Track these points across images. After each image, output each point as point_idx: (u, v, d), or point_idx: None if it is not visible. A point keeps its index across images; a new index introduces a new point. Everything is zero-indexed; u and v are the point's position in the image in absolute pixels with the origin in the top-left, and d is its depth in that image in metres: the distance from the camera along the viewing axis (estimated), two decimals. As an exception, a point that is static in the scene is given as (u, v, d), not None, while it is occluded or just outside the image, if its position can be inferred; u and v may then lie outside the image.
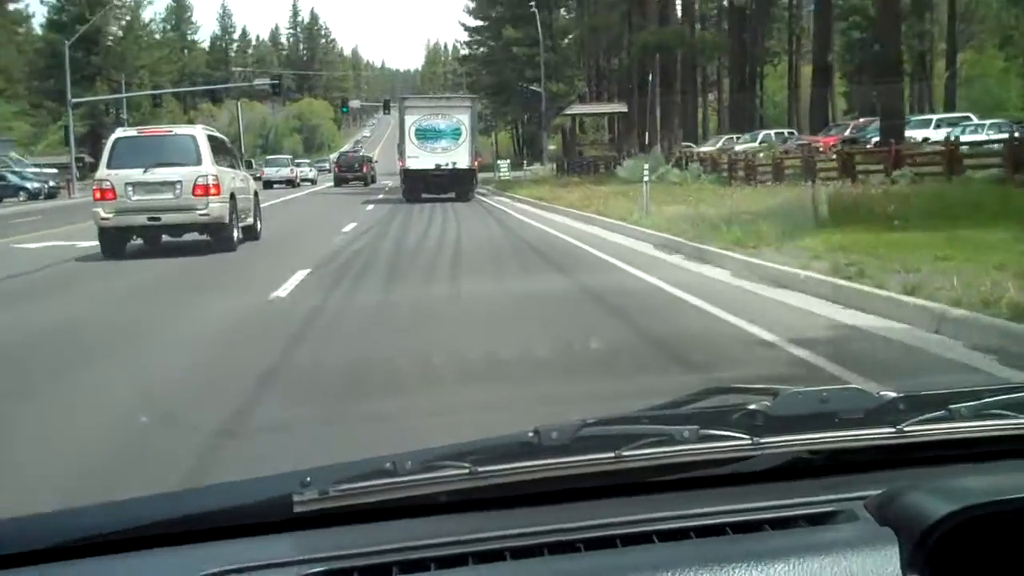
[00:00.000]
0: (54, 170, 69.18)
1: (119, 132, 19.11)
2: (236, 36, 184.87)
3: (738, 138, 54.85)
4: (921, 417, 1.82)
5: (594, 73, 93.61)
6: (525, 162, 54.65)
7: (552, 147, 67.20)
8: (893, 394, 1.93)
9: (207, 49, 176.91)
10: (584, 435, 1.75)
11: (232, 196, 18.67)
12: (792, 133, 52.05)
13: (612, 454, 1.70)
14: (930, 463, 1.83)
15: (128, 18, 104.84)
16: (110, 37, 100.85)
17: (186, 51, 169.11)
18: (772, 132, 52.55)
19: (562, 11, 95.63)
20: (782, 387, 1.94)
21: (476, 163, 40.45)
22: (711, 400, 2.09)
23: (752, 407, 1.85)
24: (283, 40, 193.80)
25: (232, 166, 20.09)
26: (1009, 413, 1.86)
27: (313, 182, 76.16)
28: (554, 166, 61.92)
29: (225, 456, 5.32)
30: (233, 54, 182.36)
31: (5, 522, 1.68)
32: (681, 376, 7.07)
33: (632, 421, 1.89)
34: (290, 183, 66.77)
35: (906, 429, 1.80)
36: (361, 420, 6.03)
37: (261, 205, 22.66)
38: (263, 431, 5.88)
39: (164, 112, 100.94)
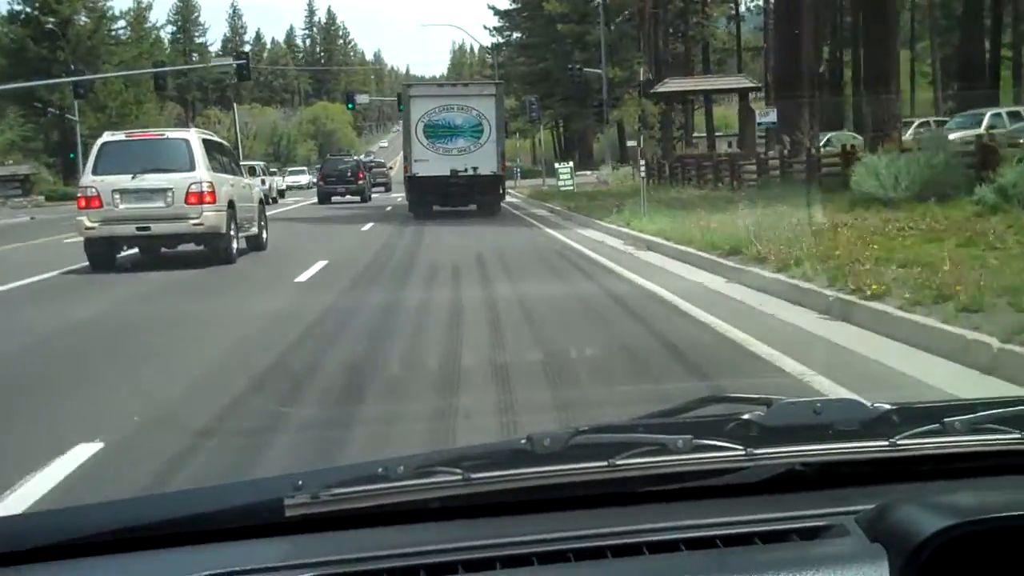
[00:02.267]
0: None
1: (106, 136, 17.27)
2: (249, 39, 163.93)
3: (937, 123, 34.02)
4: (915, 431, 1.74)
5: (652, 59, 72.78)
6: (626, 165, 33.82)
7: (633, 144, 45.84)
8: (887, 406, 1.82)
9: (217, 52, 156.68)
10: (577, 443, 1.67)
11: (231, 204, 16.97)
12: (1032, 112, 31.12)
13: (605, 463, 1.63)
14: (923, 477, 1.76)
15: (99, 3, 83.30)
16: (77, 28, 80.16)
17: (195, 54, 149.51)
18: (1003, 111, 31.67)
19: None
20: (776, 397, 1.84)
21: (503, 167, 30.14)
22: (706, 409, 1.95)
23: (746, 417, 1.76)
24: (299, 43, 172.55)
25: (232, 172, 18.29)
26: (1004, 428, 1.76)
27: (278, 196, 51.56)
28: (638, 170, 40.54)
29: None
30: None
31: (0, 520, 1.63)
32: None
33: (626, 429, 1.79)
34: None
35: (899, 442, 1.72)
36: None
37: None
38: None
39: (150, 115, 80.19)
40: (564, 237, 19.85)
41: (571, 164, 39.61)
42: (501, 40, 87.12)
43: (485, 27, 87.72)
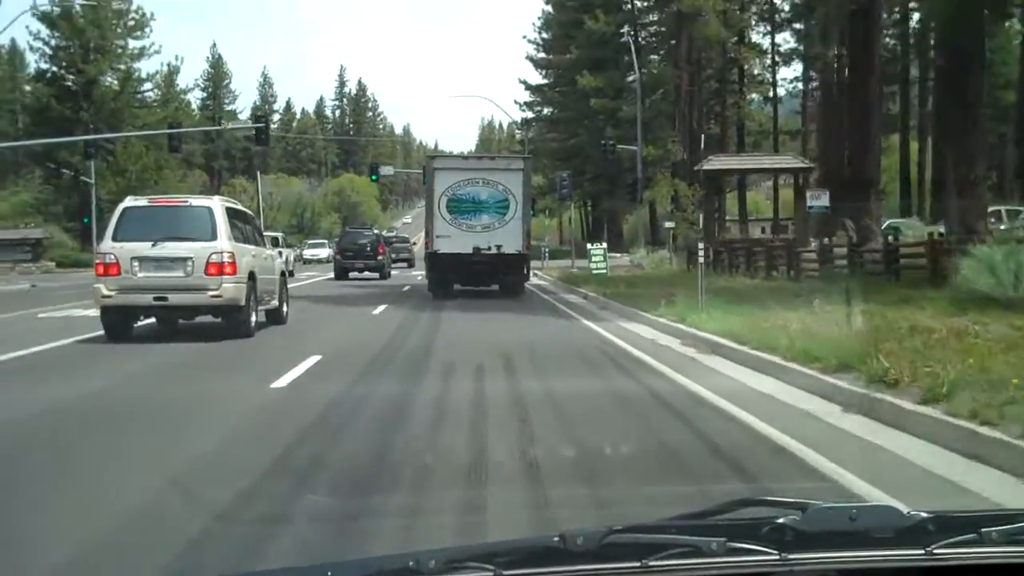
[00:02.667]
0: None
1: (129, 200, 16.65)
2: (278, 107, 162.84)
3: (1009, 212, 31.21)
4: (951, 540, 1.69)
5: (687, 138, 70.14)
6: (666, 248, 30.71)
7: (670, 225, 43.04)
8: (924, 514, 1.78)
9: (246, 120, 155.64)
10: (610, 542, 1.65)
11: (251, 276, 16.28)
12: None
13: (638, 563, 1.60)
14: None
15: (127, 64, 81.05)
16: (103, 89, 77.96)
17: (224, 121, 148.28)
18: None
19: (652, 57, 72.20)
20: (812, 501, 1.80)
21: (528, 246, 27.89)
22: (740, 512, 1.90)
23: (781, 521, 1.73)
24: (328, 113, 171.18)
25: (255, 242, 17.69)
26: None
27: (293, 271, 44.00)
28: (676, 254, 37.57)
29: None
30: (275, 126, 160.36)
31: None
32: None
33: (659, 530, 1.75)
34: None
35: (936, 552, 1.67)
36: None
37: None
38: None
39: (170, 181, 77.74)
40: (606, 331, 16.74)
41: (604, 246, 36.58)
42: (531, 115, 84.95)
43: (515, 101, 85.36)
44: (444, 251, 26.74)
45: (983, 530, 1.69)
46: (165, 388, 10.83)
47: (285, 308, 19.01)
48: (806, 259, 25.74)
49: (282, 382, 10.70)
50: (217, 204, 16.38)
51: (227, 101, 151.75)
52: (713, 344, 13.27)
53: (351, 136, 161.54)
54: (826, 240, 28.64)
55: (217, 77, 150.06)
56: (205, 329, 15.97)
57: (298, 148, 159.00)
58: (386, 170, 71.77)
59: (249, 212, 19.40)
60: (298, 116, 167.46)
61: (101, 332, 15.79)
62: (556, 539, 1.65)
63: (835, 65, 41.85)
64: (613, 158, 57.97)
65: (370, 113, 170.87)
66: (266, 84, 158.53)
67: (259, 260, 17.24)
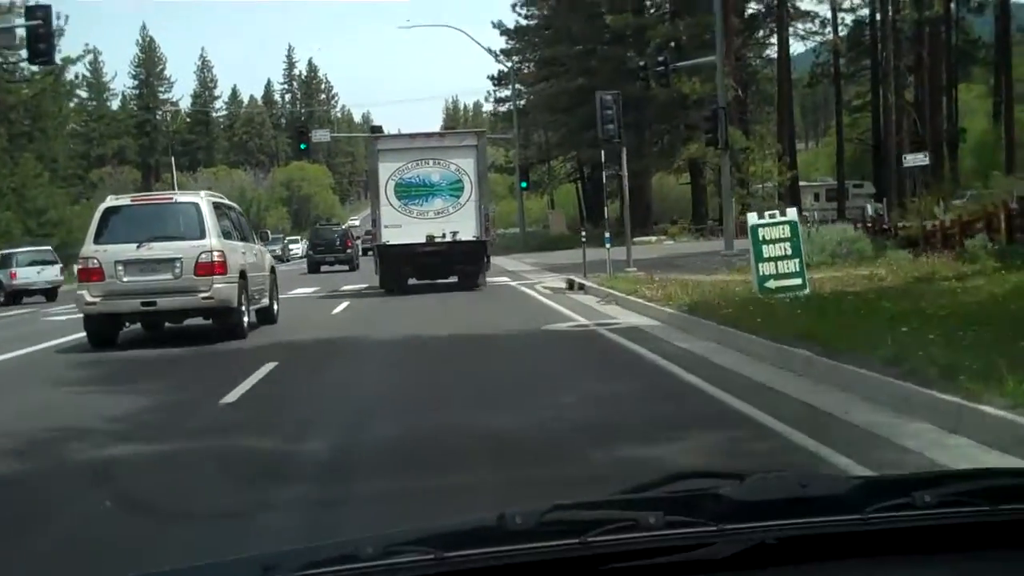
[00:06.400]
0: None
1: (109, 201, 15.49)
2: (220, 93, 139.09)
3: None
4: (885, 503, 1.69)
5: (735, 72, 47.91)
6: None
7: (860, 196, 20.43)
8: (860, 479, 1.74)
9: (186, 110, 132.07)
10: (549, 520, 1.63)
11: (242, 274, 15.17)
12: None
13: (577, 540, 1.57)
14: (894, 551, 1.67)
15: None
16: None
17: (157, 111, 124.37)
18: None
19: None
20: (749, 471, 1.80)
21: (489, 232, 24.06)
22: (678, 484, 1.90)
23: (719, 492, 1.72)
24: (277, 98, 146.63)
25: (244, 238, 16.53)
26: (973, 501, 1.70)
27: None
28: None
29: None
30: (218, 114, 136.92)
31: None
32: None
33: (598, 506, 1.76)
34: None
35: (871, 516, 1.66)
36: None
37: None
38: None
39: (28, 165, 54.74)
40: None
41: (793, 217, 14.12)
42: (511, 64, 61.80)
43: (489, 50, 61.78)
44: (395, 242, 23.34)
45: (915, 493, 1.66)
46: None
47: (276, 307, 17.62)
48: None
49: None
50: (204, 200, 14.99)
51: (162, 89, 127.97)
52: None
53: (301, 123, 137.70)
54: None
55: (149, 63, 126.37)
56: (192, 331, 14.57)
57: (245, 138, 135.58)
58: (320, 135, 49.37)
59: (236, 206, 17.96)
60: (244, 103, 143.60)
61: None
62: (496, 518, 1.59)
63: None
64: (653, 95, 35.43)
65: (323, 96, 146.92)
66: (204, 68, 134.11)
67: (249, 257, 15.91)
